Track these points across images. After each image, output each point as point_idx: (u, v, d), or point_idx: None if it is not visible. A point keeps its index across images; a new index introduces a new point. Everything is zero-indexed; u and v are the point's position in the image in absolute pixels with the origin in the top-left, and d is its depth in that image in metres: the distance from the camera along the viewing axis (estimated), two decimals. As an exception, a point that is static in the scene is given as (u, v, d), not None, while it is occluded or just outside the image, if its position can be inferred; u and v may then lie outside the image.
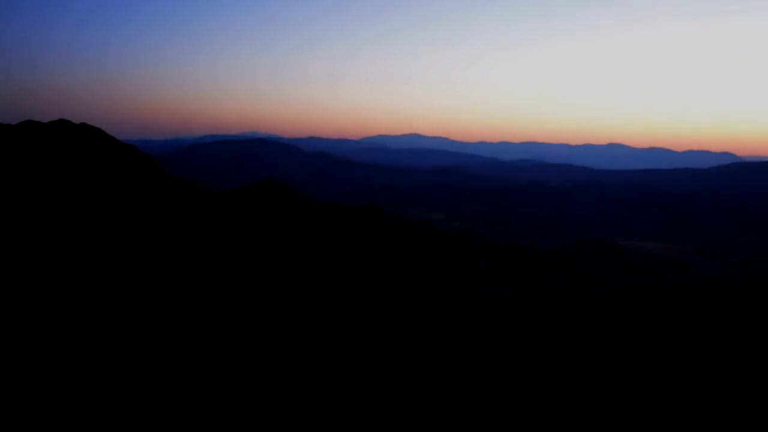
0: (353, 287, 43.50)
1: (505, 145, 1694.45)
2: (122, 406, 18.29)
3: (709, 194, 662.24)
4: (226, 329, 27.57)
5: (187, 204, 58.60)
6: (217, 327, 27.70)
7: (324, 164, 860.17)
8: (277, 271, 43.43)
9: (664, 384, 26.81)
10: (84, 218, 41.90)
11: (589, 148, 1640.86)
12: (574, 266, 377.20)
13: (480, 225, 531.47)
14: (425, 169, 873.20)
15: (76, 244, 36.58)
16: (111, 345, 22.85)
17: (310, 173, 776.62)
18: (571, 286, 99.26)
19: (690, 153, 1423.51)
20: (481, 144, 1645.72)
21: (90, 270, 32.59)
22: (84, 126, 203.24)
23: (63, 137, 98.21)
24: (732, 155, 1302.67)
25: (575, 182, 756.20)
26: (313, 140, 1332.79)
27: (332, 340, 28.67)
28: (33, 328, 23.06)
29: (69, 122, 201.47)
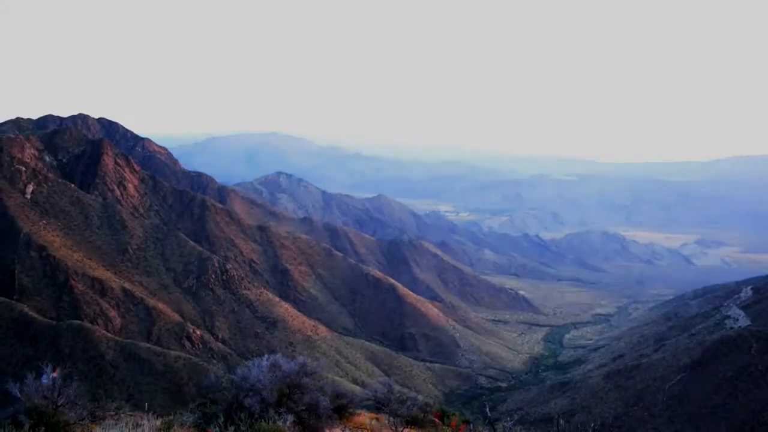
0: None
1: (511, 139, 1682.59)
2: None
3: (710, 186, 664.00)
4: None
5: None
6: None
7: (335, 156, 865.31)
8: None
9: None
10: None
11: (592, 143, 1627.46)
12: (577, 256, 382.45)
13: (487, 215, 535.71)
14: (434, 161, 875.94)
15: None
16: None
17: (322, 165, 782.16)
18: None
19: (690, 147, 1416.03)
20: (487, 138, 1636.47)
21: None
22: (102, 120, 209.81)
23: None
24: (731, 149, 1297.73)
25: (579, 174, 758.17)
26: (324, 133, 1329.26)
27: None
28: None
29: (87, 116, 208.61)
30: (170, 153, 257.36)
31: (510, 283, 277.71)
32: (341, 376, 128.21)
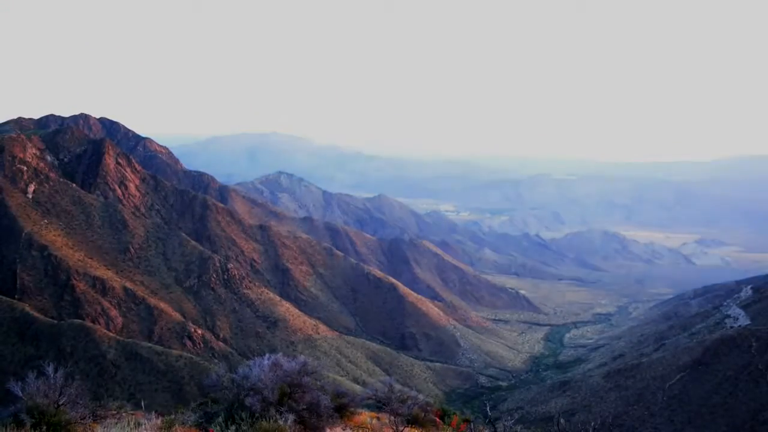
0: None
1: (511, 139, 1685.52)
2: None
3: (710, 186, 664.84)
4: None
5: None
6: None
7: (335, 156, 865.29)
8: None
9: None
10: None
11: (592, 143, 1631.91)
12: (577, 255, 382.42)
13: (487, 215, 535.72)
14: (434, 161, 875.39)
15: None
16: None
17: (323, 165, 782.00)
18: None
19: (691, 147, 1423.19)
20: (488, 138, 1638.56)
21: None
22: (104, 119, 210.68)
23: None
24: (731, 149, 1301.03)
25: (579, 174, 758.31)
26: (324, 133, 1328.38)
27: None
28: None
29: (89, 116, 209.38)
30: (171, 153, 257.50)
31: (510, 282, 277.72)
32: (342, 376, 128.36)
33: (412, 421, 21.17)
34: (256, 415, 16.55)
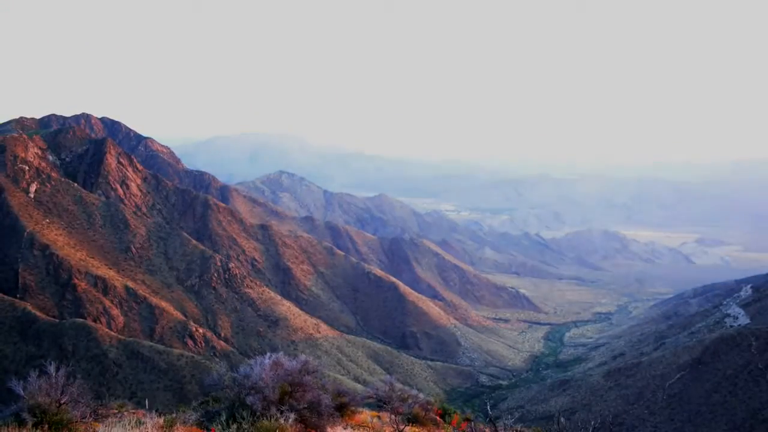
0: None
1: (512, 138, 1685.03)
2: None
3: (710, 186, 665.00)
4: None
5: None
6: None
7: (336, 155, 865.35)
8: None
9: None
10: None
11: (593, 142, 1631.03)
12: (577, 255, 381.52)
13: (488, 214, 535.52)
14: (435, 160, 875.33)
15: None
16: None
17: (324, 164, 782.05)
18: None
19: (691, 147, 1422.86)
20: (488, 138, 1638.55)
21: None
22: (105, 119, 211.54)
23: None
24: (732, 150, 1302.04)
25: (579, 173, 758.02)
26: (325, 133, 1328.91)
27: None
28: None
29: (90, 115, 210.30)
30: (173, 152, 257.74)
31: (511, 281, 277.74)
32: (343, 375, 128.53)
33: (413, 420, 21.25)
34: (257, 413, 16.61)
